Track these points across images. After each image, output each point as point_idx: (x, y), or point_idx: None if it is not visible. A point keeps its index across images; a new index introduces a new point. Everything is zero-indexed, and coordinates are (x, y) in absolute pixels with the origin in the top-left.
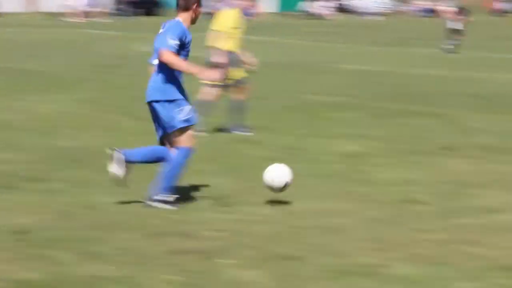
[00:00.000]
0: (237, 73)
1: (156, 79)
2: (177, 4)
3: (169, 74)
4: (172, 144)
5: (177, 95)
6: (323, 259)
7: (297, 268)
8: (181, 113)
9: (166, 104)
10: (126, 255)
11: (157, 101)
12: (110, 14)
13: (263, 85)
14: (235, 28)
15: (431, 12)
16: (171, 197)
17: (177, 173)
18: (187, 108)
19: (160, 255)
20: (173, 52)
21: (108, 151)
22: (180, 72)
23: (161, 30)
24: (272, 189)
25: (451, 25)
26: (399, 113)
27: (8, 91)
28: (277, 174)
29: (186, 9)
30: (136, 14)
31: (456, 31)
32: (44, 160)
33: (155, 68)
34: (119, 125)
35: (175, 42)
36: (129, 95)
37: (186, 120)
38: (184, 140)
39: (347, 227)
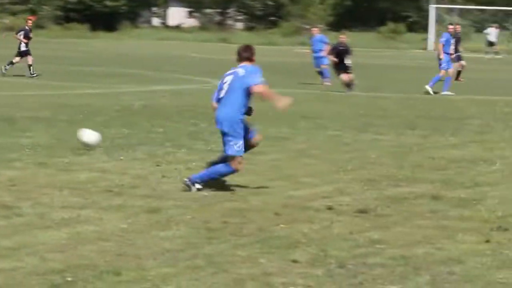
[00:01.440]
0: None
1: (228, 114)
2: (240, 56)
3: (240, 111)
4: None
5: (240, 131)
6: None
7: None
8: (235, 146)
9: (230, 136)
10: None
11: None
12: None
13: None
14: None
15: None
16: (200, 186)
17: (214, 177)
18: (240, 143)
19: None
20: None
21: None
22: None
23: (231, 77)
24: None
25: None
26: None
27: None
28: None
29: (250, 60)
30: None
31: None
32: None
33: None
34: None
35: (262, 79)
36: None
37: (238, 151)
38: (233, 163)
39: None
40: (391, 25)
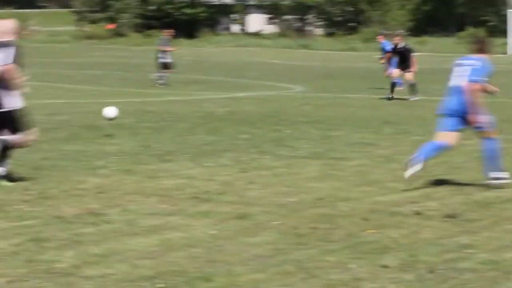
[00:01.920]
0: None
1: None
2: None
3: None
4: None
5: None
6: None
7: None
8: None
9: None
10: None
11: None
12: None
13: None
14: None
15: None
16: (502, 174)
17: (496, 155)
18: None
19: None
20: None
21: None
22: None
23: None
24: None
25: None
26: None
27: None
28: None
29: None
30: None
31: None
32: None
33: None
34: None
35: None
36: None
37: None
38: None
39: None
40: (470, 30)
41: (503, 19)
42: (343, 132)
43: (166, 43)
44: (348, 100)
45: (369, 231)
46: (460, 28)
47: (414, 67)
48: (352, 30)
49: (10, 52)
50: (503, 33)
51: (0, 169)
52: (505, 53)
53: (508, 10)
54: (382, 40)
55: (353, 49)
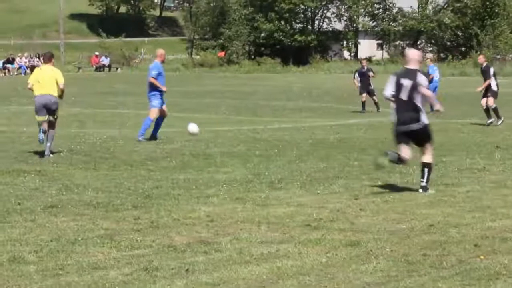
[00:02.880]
0: None
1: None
2: None
3: None
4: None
5: None
6: None
7: None
8: None
9: None
10: None
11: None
12: None
13: None
14: None
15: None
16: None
17: None
18: None
19: None
20: None
21: None
22: None
23: None
24: None
25: None
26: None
27: None
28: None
29: None
30: None
31: None
32: None
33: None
34: None
35: None
36: None
37: None
38: None
39: None
40: None
41: None
42: (454, 158)
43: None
44: (459, 125)
45: (481, 257)
46: None
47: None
48: (463, 55)
49: None
50: None
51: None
52: None
53: None
54: (430, 63)
55: (464, 74)
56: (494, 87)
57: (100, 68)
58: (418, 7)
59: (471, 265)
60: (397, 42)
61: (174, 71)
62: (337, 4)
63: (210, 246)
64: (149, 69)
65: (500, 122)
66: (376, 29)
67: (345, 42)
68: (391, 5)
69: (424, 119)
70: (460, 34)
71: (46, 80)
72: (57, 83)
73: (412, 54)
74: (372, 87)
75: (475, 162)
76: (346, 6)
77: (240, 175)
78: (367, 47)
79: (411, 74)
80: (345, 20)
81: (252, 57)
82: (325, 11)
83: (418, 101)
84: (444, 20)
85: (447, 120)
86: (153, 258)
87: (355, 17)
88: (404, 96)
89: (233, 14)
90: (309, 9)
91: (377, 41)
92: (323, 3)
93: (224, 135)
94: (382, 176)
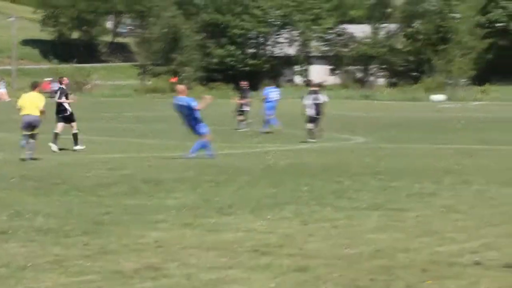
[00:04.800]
0: None
1: None
2: None
3: None
4: None
5: None
6: None
7: None
8: None
9: None
10: None
11: None
12: None
13: None
14: None
15: None
16: None
17: None
18: None
19: None
20: None
21: None
22: None
23: None
24: None
25: None
26: None
27: None
28: None
29: None
30: None
31: None
32: None
33: None
34: None
35: None
36: None
37: None
38: None
39: None
40: None
41: None
42: (403, 183)
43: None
44: (409, 150)
45: (428, 282)
46: None
47: None
48: (415, 80)
49: None
50: None
51: None
52: None
53: None
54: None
55: (415, 99)
56: None
57: (51, 93)
58: (371, 33)
59: None
60: (349, 67)
61: (126, 96)
62: (289, 30)
63: (159, 272)
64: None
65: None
66: (328, 54)
67: (297, 68)
68: (343, 30)
69: None
70: (412, 59)
71: (31, 103)
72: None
73: None
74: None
75: (424, 186)
76: (298, 31)
77: (190, 201)
78: (320, 73)
79: None
80: (297, 45)
81: (204, 82)
82: (277, 37)
83: None
84: (396, 45)
85: (398, 145)
86: (101, 284)
87: (307, 42)
88: None
89: (186, 40)
90: (261, 35)
91: (329, 66)
92: (275, 29)
93: (175, 160)
94: (331, 202)
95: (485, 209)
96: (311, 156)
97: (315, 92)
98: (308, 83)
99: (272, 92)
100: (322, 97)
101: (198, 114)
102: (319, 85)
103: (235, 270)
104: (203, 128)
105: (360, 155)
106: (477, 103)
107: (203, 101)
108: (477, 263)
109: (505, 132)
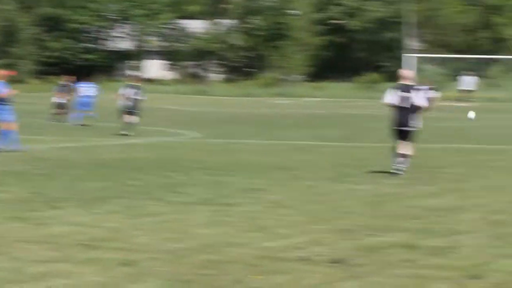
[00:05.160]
0: None
1: None
2: None
3: None
4: None
5: None
6: None
7: None
8: None
9: None
10: None
11: None
12: None
13: None
14: None
15: None
16: None
17: None
18: None
19: None
20: None
21: None
22: None
23: None
24: None
25: None
26: None
27: None
28: None
29: None
30: None
31: None
32: None
33: None
34: None
35: None
36: None
37: None
38: None
39: None
40: (368, 75)
41: (400, 64)
42: (234, 178)
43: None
44: (242, 145)
45: (255, 277)
46: (358, 73)
47: None
48: (250, 76)
49: None
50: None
51: None
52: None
53: (404, 55)
54: None
55: (250, 95)
56: None
57: None
58: (208, 28)
59: (248, 285)
60: (186, 63)
61: None
62: (126, 24)
63: None
64: None
65: None
66: (165, 49)
67: (132, 62)
68: (179, 25)
69: None
70: (249, 55)
71: None
72: None
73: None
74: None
75: (255, 182)
76: (135, 26)
77: (20, 194)
78: (156, 67)
79: None
80: (134, 40)
81: (40, 75)
82: (113, 31)
83: None
84: (233, 41)
85: (232, 140)
86: None
87: (143, 37)
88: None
89: (22, 34)
90: (98, 29)
91: (166, 61)
92: (111, 23)
93: (6, 153)
94: (161, 196)
95: (314, 205)
96: (143, 151)
97: (135, 87)
98: (131, 77)
99: (85, 88)
100: (138, 93)
101: (5, 100)
102: (140, 80)
103: (63, 263)
104: (8, 116)
105: (193, 150)
106: (311, 99)
107: (11, 90)
108: (304, 259)
109: (338, 129)
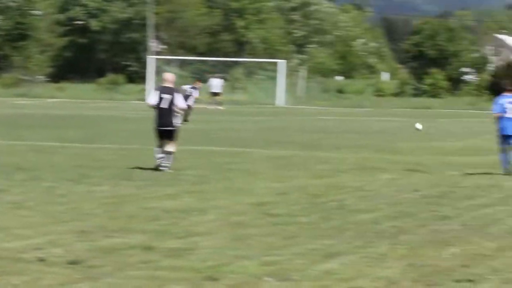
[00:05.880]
0: None
1: None
2: None
3: None
4: None
5: None
6: None
7: None
8: None
9: None
10: None
11: None
12: None
13: None
14: None
15: None
16: None
17: None
18: None
19: None
20: None
21: None
22: None
23: None
24: None
25: None
26: None
27: None
28: None
29: None
30: None
31: None
32: None
33: None
34: None
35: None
36: None
37: None
38: None
39: None
40: (110, 76)
41: (144, 66)
42: None
43: None
44: None
45: None
46: (101, 74)
47: None
48: None
49: None
50: (143, 79)
51: None
52: (143, 99)
53: (148, 56)
54: None
55: None
56: None
57: None
58: None
59: None
60: None
61: None
62: None
63: None
64: None
65: None
66: None
67: None
68: None
69: None
70: None
71: None
72: None
73: None
74: None
75: None
76: None
77: None
78: None
79: None
80: None
81: None
82: None
83: None
84: None
85: None
86: None
87: None
88: None
89: None
90: None
91: None
92: None
93: None
94: None
95: (54, 206)
96: None
97: None
98: None
99: None
100: None
101: None
102: None
103: None
104: None
105: None
106: (53, 100)
107: None
108: (42, 259)
109: (79, 130)
